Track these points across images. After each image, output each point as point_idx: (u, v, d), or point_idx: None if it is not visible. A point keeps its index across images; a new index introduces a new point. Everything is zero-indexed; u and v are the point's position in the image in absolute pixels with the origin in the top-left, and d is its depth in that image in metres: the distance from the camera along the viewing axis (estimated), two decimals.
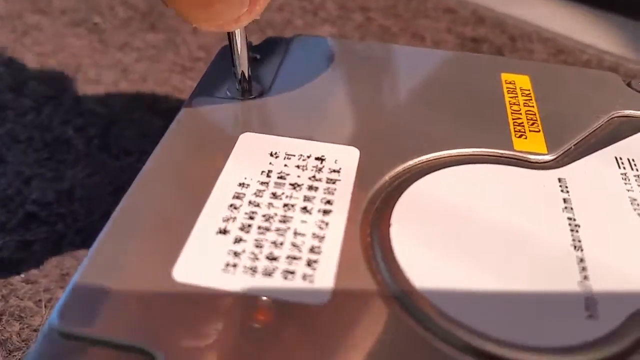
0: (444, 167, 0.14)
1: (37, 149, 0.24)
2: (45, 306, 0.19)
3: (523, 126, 0.16)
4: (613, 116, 0.17)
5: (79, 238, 0.21)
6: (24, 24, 0.31)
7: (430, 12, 0.33)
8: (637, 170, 0.15)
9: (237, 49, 0.15)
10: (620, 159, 0.15)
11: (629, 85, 0.18)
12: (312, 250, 0.12)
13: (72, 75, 0.28)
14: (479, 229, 0.13)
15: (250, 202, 0.13)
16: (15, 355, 0.18)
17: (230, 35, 0.15)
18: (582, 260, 0.12)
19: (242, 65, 0.15)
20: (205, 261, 0.11)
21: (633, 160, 0.15)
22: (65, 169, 0.23)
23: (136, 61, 0.29)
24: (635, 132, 0.16)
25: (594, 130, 0.16)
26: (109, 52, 0.30)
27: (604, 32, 0.33)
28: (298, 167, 0.14)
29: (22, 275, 0.20)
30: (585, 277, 0.12)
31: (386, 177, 0.14)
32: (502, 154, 0.15)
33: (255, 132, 0.15)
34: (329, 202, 0.13)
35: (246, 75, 0.16)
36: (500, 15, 0.33)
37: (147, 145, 0.25)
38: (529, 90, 0.17)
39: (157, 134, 0.15)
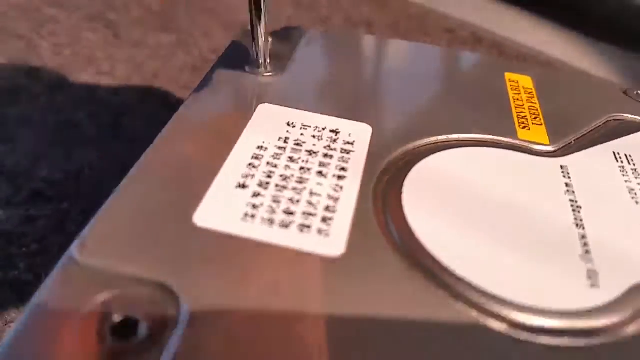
0: (453, 148, 0.15)
1: (48, 130, 0.24)
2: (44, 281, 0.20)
3: (526, 119, 0.17)
4: (610, 118, 0.18)
5: (83, 217, 0.21)
6: (41, 16, 0.32)
7: (431, 30, 0.34)
8: (634, 164, 0.16)
9: (259, 20, 0.16)
10: (618, 154, 0.16)
11: (624, 93, 0.19)
12: (327, 209, 0.12)
13: (86, 67, 0.29)
14: (486, 202, 0.13)
15: (268, 163, 0.13)
16: (13, 326, 0.18)
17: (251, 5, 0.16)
18: (583, 237, 0.13)
19: (263, 39, 0.16)
20: (225, 210, 0.12)
21: (630, 156, 0.16)
22: (75, 151, 0.24)
23: (149, 58, 0.30)
24: (630, 133, 0.17)
25: (593, 129, 0.17)
26: (123, 47, 0.30)
27: (598, 59, 0.34)
28: (314, 137, 0.14)
29: (24, 249, 0.20)
30: (587, 252, 0.12)
31: (397, 153, 0.14)
32: (507, 141, 0.16)
33: (273, 104, 0.15)
34: (343, 169, 0.13)
35: (265, 50, 0.16)
36: (498, 37, 0.34)
37: (156, 135, 0.26)
38: (531, 89, 0.18)
39: None
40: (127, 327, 0.10)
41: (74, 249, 0.11)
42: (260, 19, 0.16)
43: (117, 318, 0.10)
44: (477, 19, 0.37)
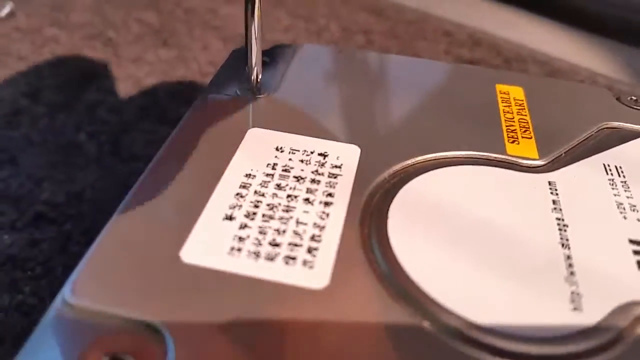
0: (440, 167, 0.15)
1: (50, 152, 0.25)
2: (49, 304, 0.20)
3: (516, 132, 0.17)
4: (602, 127, 0.18)
5: (86, 238, 0.22)
6: (42, 37, 0.32)
7: (429, 34, 0.34)
8: (623, 176, 0.15)
9: (252, 43, 0.16)
10: (608, 166, 0.16)
11: (618, 99, 0.19)
12: (312, 238, 0.12)
13: (86, 86, 0.29)
14: (472, 224, 0.13)
15: (255, 192, 0.13)
16: (19, 351, 0.18)
17: (247, 29, 0.16)
18: (569, 257, 0.13)
19: (256, 61, 0.16)
20: (211, 244, 0.12)
21: (620, 167, 0.16)
22: (76, 172, 0.24)
23: (148, 75, 0.31)
24: (622, 142, 0.17)
25: (584, 140, 0.17)
26: (122, 65, 0.31)
27: (597, 55, 0.34)
28: (302, 161, 0.14)
29: (29, 273, 0.21)
30: (572, 273, 0.12)
31: (385, 174, 0.14)
32: (495, 157, 0.16)
33: (262, 128, 0.16)
34: (330, 194, 0.14)
35: (258, 71, 0.17)
36: (496, 38, 0.34)
37: (156, 152, 0.26)
38: (522, 100, 0.18)
39: None
40: None
41: (66, 291, 0.11)
42: (253, 44, 0.16)
43: (105, 359, 0.10)
44: (475, 21, 0.37)
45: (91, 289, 0.11)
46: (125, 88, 0.29)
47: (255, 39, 0.16)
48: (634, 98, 0.19)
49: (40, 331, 0.10)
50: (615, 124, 0.18)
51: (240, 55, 0.19)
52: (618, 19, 0.37)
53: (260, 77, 0.17)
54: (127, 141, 0.26)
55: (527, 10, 0.38)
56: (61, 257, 0.21)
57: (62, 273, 0.21)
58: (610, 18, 0.37)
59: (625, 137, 0.17)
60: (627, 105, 0.19)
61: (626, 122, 0.18)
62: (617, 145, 0.17)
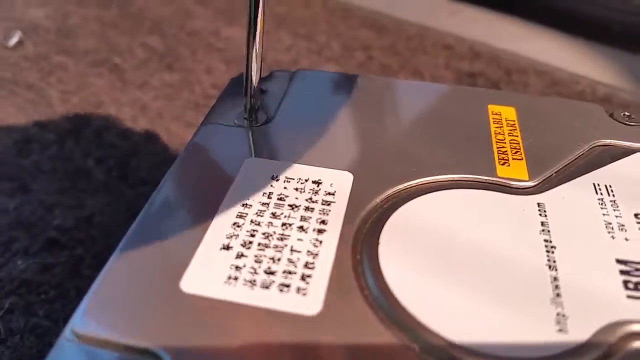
0: (431, 192, 0.15)
1: (59, 179, 0.26)
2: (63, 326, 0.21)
3: (507, 154, 0.17)
4: (594, 145, 0.18)
5: (96, 261, 0.23)
6: (49, 64, 0.33)
7: (429, 49, 0.35)
8: (613, 195, 0.16)
9: (251, 74, 0.17)
10: (598, 185, 0.16)
11: (611, 115, 0.19)
12: (306, 265, 0.13)
13: (93, 112, 0.30)
14: (461, 249, 0.14)
15: (252, 221, 0.14)
16: None
17: (247, 63, 0.17)
18: (555, 279, 0.13)
19: (253, 92, 0.17)
20: (209, 274, 0.13)
21: (610, 186, 0.16)
22: (86, 197, 0.25)
23: (154, 99, 0.31)
24: (613, 160, 0.17)
25: (575, 159, 0.17)
26: (128, 90, 0.32)
27: (597, 63, 0.34)
28: (296, 189, 0.15)
29: (42, 296, 0.22)
30: (558, 295, 0.13)
31: (377, 200, 0.15)
32: (485, 180, 0.16)
33: (259, 157, 0.16)
34: (323, 222, 0.14)
35: (255, 101, 0.17)
36: (496, 50, 0.35)
37: (163, 175, 0.27)
38: (514, 120, 0.19)
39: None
40: None
41: (74, 321, 0.12)
42: (253, 76, 0.17)
43: None
44: (474, 33, 0.37)
45: (98, 319, 0.12)
46: (131, 113, 0.30)
47: (254, 72, 0.17)
48: (627, 114, 0.20)
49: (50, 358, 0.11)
50: (607, 141, 0.18)
51: (239, 83, 0.20)
52: (620, 23, 0.37)
53: (257, 106, 0.18)
54: (134, 165, 0.27)
55: (527, 20, 0.38)
56: (74, 280, 0.22)
57: (75, 295, 0.22)
58: (612, 23, 0.37)
59: (617, 154, 0.18)
60: (620, 122, 0.19)
61: (618, 139, 0.18)
62: (609, 163, 0.17)
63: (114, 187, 0.26)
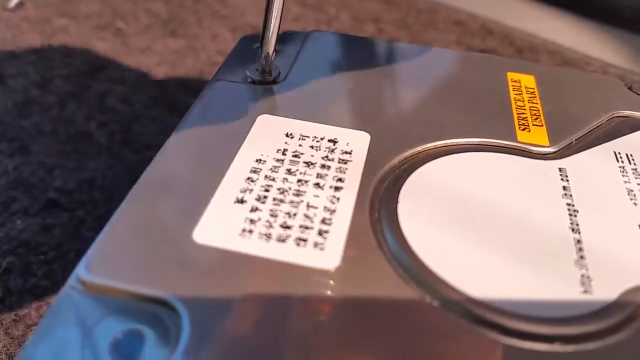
0: (451, 154, 0.15)
1: (60, 141, 0.25)
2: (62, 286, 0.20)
3: (527, 120, 0.17)
4: (613, 116, 0.17)
5: (98, 224, 0.22)
6: (52, 27, 0.33)
7: (440, 24, 0.34)
8: (634, 164, 0.15)
9: (271, 28, 0.16)
10: (619, 153, 0.16)
11: (630, 88, 0.19)
12: (323, 221, 0.12)
13: (96, 75, 0.29)
14: (482, 209, 0.13)
15: (266, 177, 0.14)
16: (34, 330, 0.19)
17: (267, 14, 0.16)
18: (579, 241, 0.13)
19: (271, 47, 0.16)
20: (223, 226, 0.12)
21: (631, 155, 0.16)
22: (87, 160, 0.24)
23: (157, 64, 0.31)
24: (633, 131, 0.17)
25: (595, 128, 0.17)
26: (131, 55, 0.31)
27: (609, 45, 0.33)
28: (312, 147, 0.15)
29: (42, 257, 0.21)
30: (582, 257, 0.12)
31: (395, 160, 0.14)
32: (506, 144, 0.16)
33: (272, 115, 0.16)
34: (340, 179, 0.14)
35: (271, 57, 0.17)
36: (508, 28, 0.34)
37: (165, 141, 0.27)
38: (533, 88, 0.18)
39: None
40: (131, 342, 0.10)
41: (80, 269, 0.11)
42: (272, 29, 0.16)
43: (121, 334, 0.10)
44: (487, 11, 0.36)
45: (105, 266, 0.11)
46: (134, 78, 0.30)
47: (274, 24, 0.16)
48: None
49: (55, 308, 0.10)
50: (627, 112, 0.18)
51: (249, 42, 0.19)
52: (630, 8, 0.36)
53: (271, 64, 0.17)
54: (137, 130, 0.26)
55: (539, 0, 0.38)
56: (74, 242, 0.21)
57: (75, 257, 0.21)
58: (623, 8, 0.37)
59: (636, 125, 0.17)
60: (638, 94, 0.19)
61: (637, 111, 0.18)
62: (628, 133, 0.17)
63: (116, 151, 0.25)
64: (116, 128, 0.26)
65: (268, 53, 0.17)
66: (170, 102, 0.28)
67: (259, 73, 0.17)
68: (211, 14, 0.34)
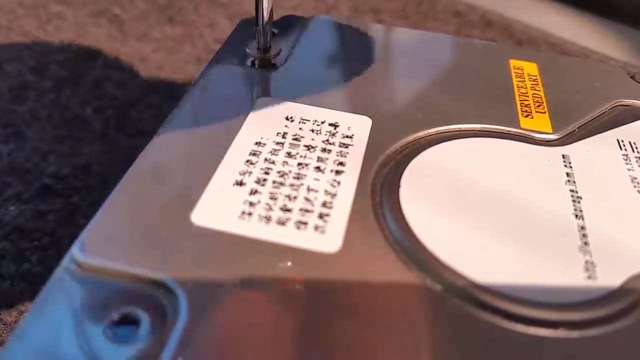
0: (453, 139, 0.15)
1: (55, 126, 0.25)
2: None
3: (529, 107, 0.16)
4: (616, 104, 0.17)
5: (92, 210, 0.22)
6: (47, 13, 0.32)
7: (440, 14, 0.34)
8: (638, 152, 0.15)
9: (264, 8, 0.16)
10: (622, 141, 0.16)
11: (632, 77, 0.19)
12: (324, 205, 0.12)
13: (91, 62, 0.29)
14: (485, 195, 0.13)
15: (265, 159, 0.13)
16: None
17: None
18: (582, 228, 0.13)
19: (266, 28, 0.16)
20: (222, 208, 0.12)
21: (634, 143, 0.16)
22: (82, 146, 0.24)
23: (154, 51, 0.30)
24: (636, 119, 0.17)
25: (598, 116, 0.17)
26: (128, 41, 0.31)
27: (608, 39, 0.33)
28: (312, 131, 0.14)
29: (35, 243, 0.21)
30: (586, 243, 0.12)
31: (397, 145, 0.14)
32: (508, 130, 0.15)
33: (271, 97, 0.15)
34: (341, 163, 0.13)
35: (268, 39, 0.16)
36: (508, 20, 0.34)
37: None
38: (536, 76, 0.18)
39: None
40: (127, 324, 0.10)
41: (74, 249, 0.11)
42: (265, 9, 0.16)
43: (116, 316, 0.10)
44: (487, 2, 0.36)
45: (101, 247, 0.11)
46: (131, 64, 0.29)
47: (267, 4, 0.16)
48: None
49: (48, 289, 0.10)
50: (629, 101, 0.17)
51: (248, 26, 0.19)
52: (631, 3, 0.36)
53: (269, 45, 0.17)
54: (133, 117, 0.26)
55: None
56: (68, 228, 0.21)
57: (70, 243, 0.21)
58: (625, 3, 0.36)
59: (639, 114, 0.17)
60: None
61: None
62: (631, 122, 0.17)
63: (112, 138, 0.25)
64: (112, 114, 0.26)
65: (264, 36, 0.16)
66: (167, 88, 0.28)
67: (259, 51, 0.17)
68: (209, 2, 0.34)
